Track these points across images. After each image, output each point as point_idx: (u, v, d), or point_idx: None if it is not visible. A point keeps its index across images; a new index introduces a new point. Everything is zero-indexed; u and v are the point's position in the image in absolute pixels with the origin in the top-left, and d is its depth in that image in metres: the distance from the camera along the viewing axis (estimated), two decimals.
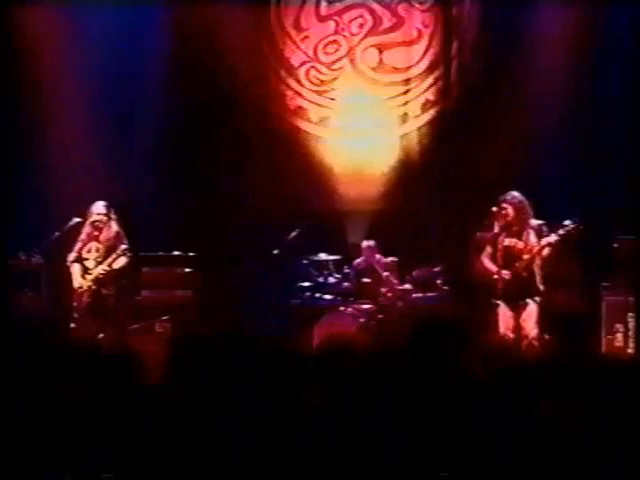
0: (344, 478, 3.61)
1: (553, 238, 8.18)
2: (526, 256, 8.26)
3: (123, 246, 8.77)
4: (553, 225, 8.31)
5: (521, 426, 3.58)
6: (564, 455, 3.37)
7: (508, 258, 8.33)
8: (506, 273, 8.30)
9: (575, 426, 3.44)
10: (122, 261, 8.76)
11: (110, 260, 8.74)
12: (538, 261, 8.28)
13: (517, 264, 8.28)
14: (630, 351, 8.97)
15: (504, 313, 8.36)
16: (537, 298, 8.32)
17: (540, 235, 8.27)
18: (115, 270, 8.78)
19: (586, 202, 9.74)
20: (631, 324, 9.09)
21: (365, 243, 10.05)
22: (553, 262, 8.33)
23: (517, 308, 8.32)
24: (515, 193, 8.36)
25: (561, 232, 8.16)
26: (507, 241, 8.35)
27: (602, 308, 9.20)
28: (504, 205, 8.30)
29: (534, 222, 8.32)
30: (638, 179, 9.85)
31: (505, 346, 7.77)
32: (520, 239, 8.32)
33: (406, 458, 3.64)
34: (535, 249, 8.23)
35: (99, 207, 8.87)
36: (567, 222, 8.15)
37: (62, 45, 10.50)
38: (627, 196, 9.85)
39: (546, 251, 8.25)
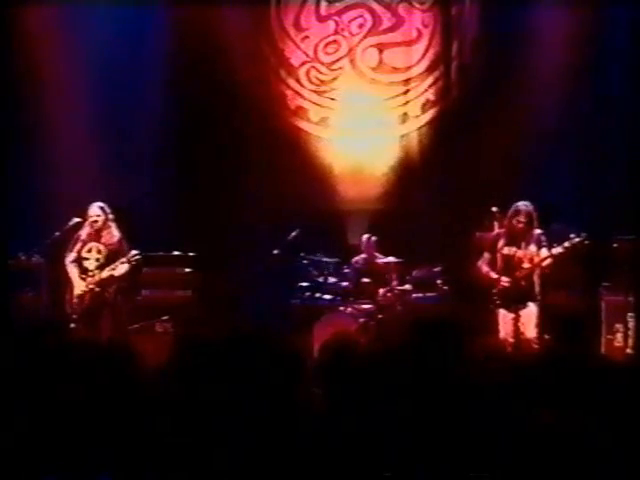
0: (344, 478, 3.61)
1: (557, 250, 8.17)
2: (526, 265, 8.26)
3: (133, 252, 8.72)
4: (550, 226, 8.32)
5: (521, 426, 3.57)
6: (564, 455, 3.37)
7: (507, 266, 8.32)
8: (505, 280, 8.30)
9: (575, 426, 3.44)
10: (126, 267, 8.73)
11: (117, 264, 8.70)
12: (538, 271, 8.29)
13: (517, 273, 8.28)
14: (630, 351, 8.97)
15: (503, 316, 8.36)
16: (535, 301, 8.33)
17: (539, 244, 8.26)
18: (121, 276, 8.77)
19: (586, 202, 9.74)
20: (631, 324, 9.08)
21: (365, 237, 10.02)
22: (553, 271, 8.33)
23: (516, 311, 8.32)
24: (527, 202, 8.33)
25: (566, 245, 8.14)
26: (507, 249, 8.34)
27: (602, 308, 9.20)
28: (520, 218, 8.25)
29: (536, 231, 8.31)
30: (638, 179, 9.84)
31: (503, 347, 7.79)
32: (520, 248, 8.31)
33: (406, 458, 3.64)
34: (536, 260, 8.23)
35: (94, 209, 8.86)
36: (572, 235, 8.13)
37: (62, 45, 10.49)
38: (627, 196, 9.85)
39: (548, 262, 8.24)
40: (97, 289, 8.73)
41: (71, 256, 8.87)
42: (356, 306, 9.71)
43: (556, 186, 9.88)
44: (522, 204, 8.32)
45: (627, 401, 3.85)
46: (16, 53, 10.38)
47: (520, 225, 8.26)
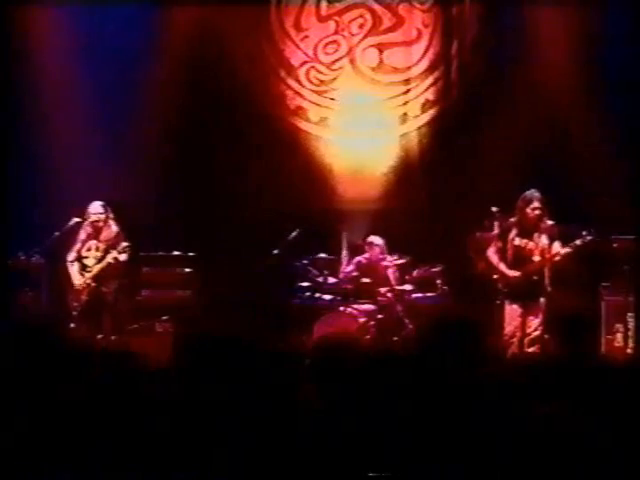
0: (344, 478, 3.60)
1: (568, 250, 8.16)
2: (537, 258, 8.25)
3: (124, 244, 8.79)
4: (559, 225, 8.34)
5: (521, 426, 3.58)
6: (564, 455, 3.37)
7: (518, 258, 8.31)
8: (514, 273, 8.28)
9: (575, 426, 3.44)
10: (121, 258, 8.79)
11: (110, 257, 8.77)
12: (549, 265, 8.28)
13: (528, 266, 8.26)
14: (630, 351, 8.97)
15: (511, 311, 8.34)
16: (544, 298, 8.31)
17: (552, 237, 8.25)
18: (113, 266, 8.79)
19: (586, 202, 9.73)
20: (631, 324, 9.09)
21: (371, 239, 9.99)
22: (563, 267, 8.33)
23: (525, 306, 8.31)
24: (534, 190, 8.33)
25: (578, 243, 8.14)
26: (518, 240, 8.33)
27: (602, 308, 9.20)
28: (534, 205, 8.24)
29: (548, 222, 8.30)
30: (638, 179, 9.84)
31: (503, 347, 7.79)
32: (531, 239, 8.30)
33: (406, 458, 3.64)
34: (547, 255, 8.22)
35: (96, 207, 8.93)
36: (584, 232, 8.13)
37: (62, 45, 10.49)
38: (627, 196, 9.84)
39: (559, 258, 8.23)
40: (93, 284, 8.78)
41: (71, 255, 8.90)
42: (356, 306, 9.70)
43: (556, 186, 9.87)
44: (532, 192, 8.31)
45: (627, 401, 3.85)
46: (16, 53, 10.39)
47: (537, 212, 8.25)
